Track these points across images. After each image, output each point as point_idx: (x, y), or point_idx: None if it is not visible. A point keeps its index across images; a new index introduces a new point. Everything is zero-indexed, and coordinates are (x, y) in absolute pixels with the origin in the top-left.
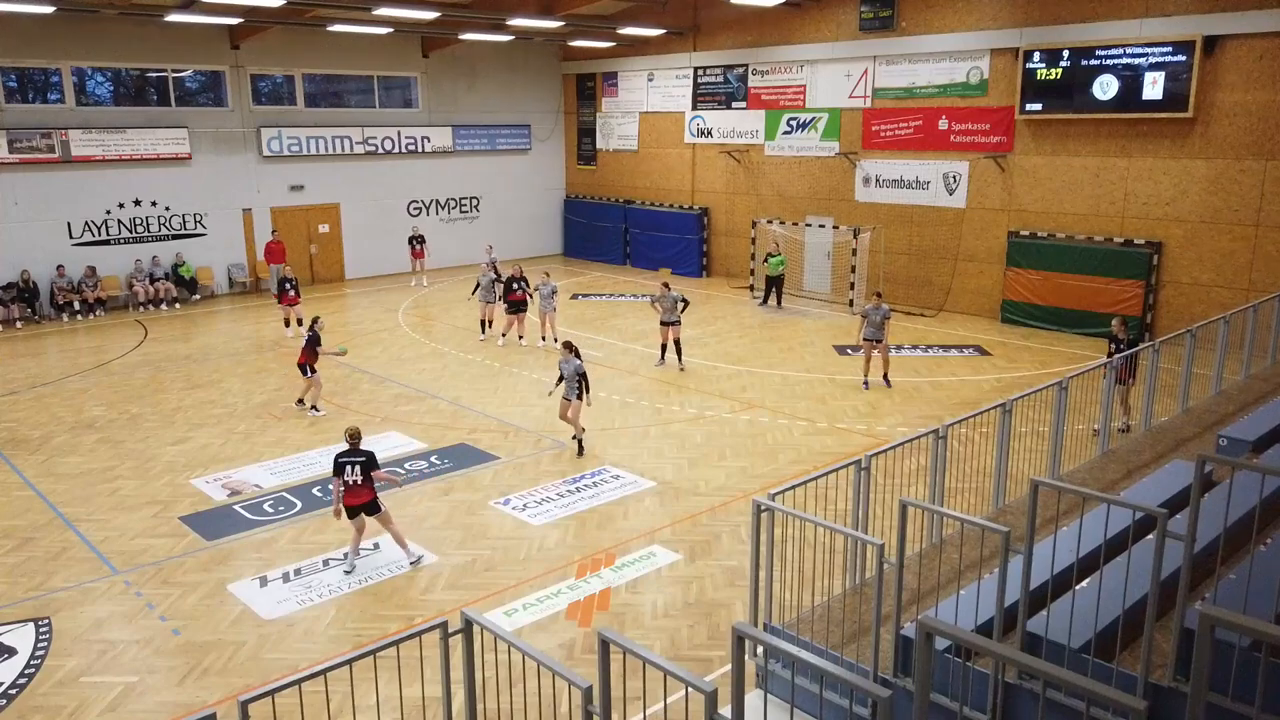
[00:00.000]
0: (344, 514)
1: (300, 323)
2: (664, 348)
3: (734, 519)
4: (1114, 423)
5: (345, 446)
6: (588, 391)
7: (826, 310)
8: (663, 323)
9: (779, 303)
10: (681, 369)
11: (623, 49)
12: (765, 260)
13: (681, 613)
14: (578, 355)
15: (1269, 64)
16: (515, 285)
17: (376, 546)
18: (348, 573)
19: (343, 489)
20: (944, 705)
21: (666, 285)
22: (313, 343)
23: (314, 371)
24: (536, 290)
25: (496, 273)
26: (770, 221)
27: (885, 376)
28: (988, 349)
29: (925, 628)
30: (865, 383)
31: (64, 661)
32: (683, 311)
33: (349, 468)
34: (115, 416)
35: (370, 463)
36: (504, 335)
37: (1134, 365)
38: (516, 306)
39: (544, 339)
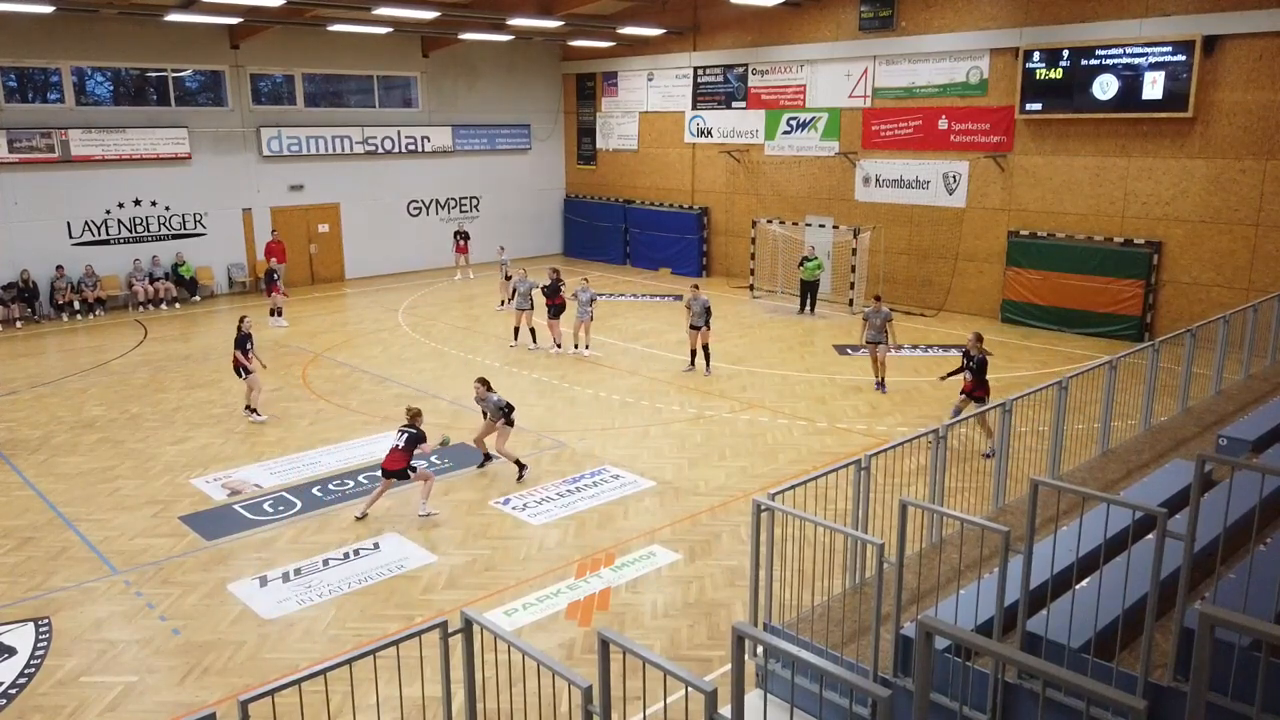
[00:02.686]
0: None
1: (280, 313)
2: (693, 353)
3: (734, 519)
4: (981, 450)
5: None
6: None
7: (827, 310)
8: (692, 327)
9: (812, 309)
10: (708, 373)
11: (623, 49)
12: (800, 265)
13: (681, 612)
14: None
15: (1269, 64)
16: (558, 288)
17: (376, 547)
18: (359, 518)
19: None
20: (944, 705)
21: (696, 287)
22: (242, 343)
23: (248, 373)
24: (575, 297)
25: (506, 275)
26: (770, 221)
27: (881, 382)
28: (988, 349)
29: (925, 627)
30: (877, 383)
31: (64, 661)
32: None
33: (398, 435)
34: (115, 416)
35: (415, 439)
36: (555, 343)
37: (985, 383)
38: (555, 311)
39: (576, 346)
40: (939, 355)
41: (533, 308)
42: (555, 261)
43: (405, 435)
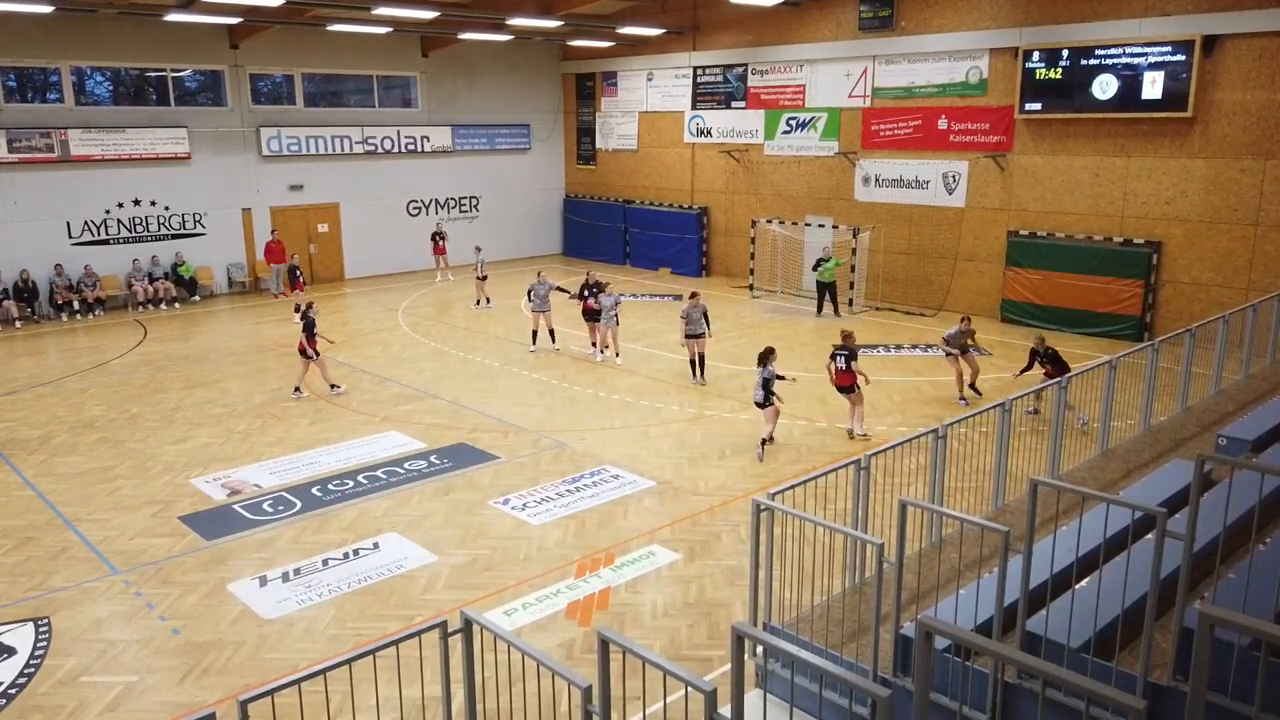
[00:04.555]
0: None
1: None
2: (693, 363)
3: (734, 519)
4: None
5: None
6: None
7: (827, 309)
8: (688, 336)
9: (835, 310)
10: (703, 384)
11: (622, 49)
12: (816, 267)
13: (681, 612)
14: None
15: (1268, 63)
16: (587, 293)
17: (376, 546)
18: (862, 436)
19: (833, 372)
20: (944, 705)
21: (695, 295)
22: (309, 328)
23: (317, 355)
24: (598, 301)
25: (481, 275)
26: (770, 221)
27: (973, 385)
28: (988, 349)
29: (925, 627)
30: (967, 394)
31: (63, 661)
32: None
33: (839, 358)
34: (115, 416)
35: (853, 356)
36: (595, 346)
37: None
38: (593, 315)
39: (602, 353)
40: (939, 355)
41: (550, 309)
42: (555, 261)
43: (843, 355)
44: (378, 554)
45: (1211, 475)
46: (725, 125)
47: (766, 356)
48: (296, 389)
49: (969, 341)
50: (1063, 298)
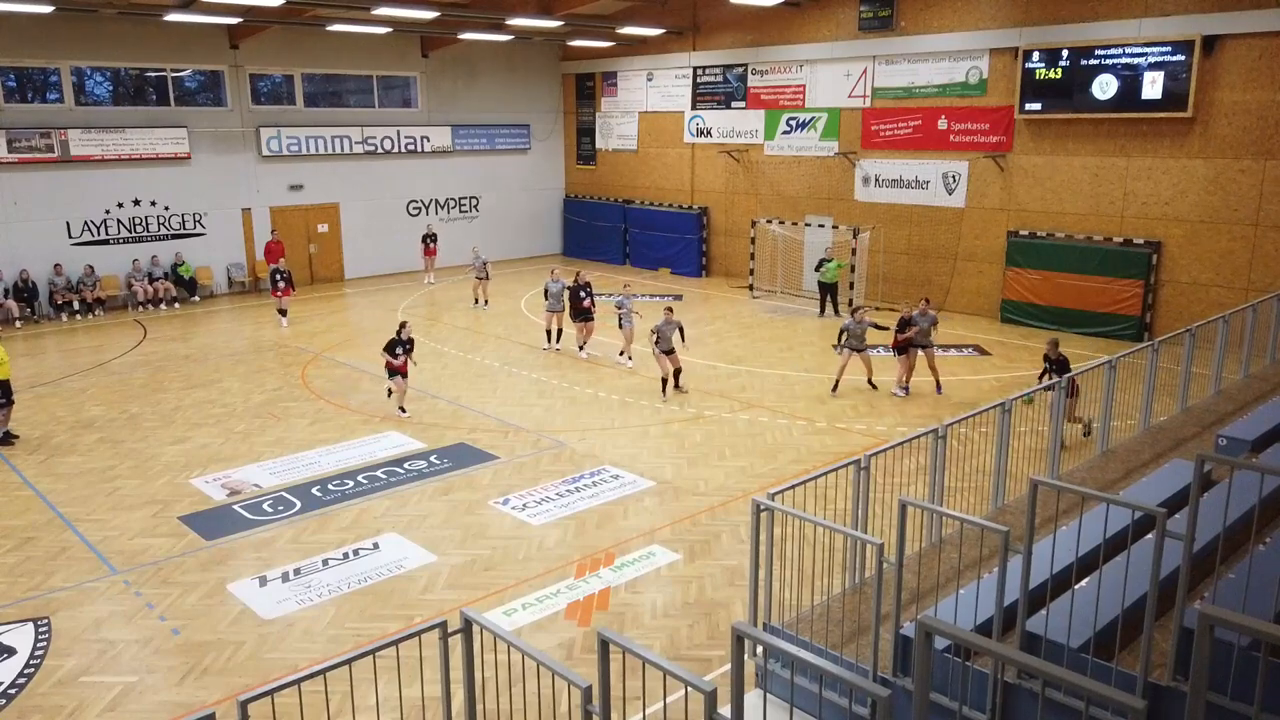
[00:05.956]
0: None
1: (285, 313)
2: (664, 380)
3: (734, 519)
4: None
5: None
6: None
7: (828, 310)
8: (664, 351)
9: (835, 310)
10: (684, 390)
11: (622, 49)
12: (818, 268)
13: (681, 612)
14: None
15: (1268, 63)
16: (582, 294)
17: (376, 547)
18: (900, 392)
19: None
20: (943, 705)
21: (669, 310)
22: (403, 348)
23: (405, 375)
24: (620, 307)
25: (480, 274)
26: (770, 221)
27: (938, 384)
28: (987, 349)
29: (925, 627)
30: (905, 389)
31: (63, 661)
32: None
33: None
34: (114, 416)
35: (903, 326)
36: (582, 346)
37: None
38: (584, 315)
39: (622, 354)
40: (938, 355)
41: (564, 309)
42: (555, 261)
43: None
44: (377, 554)
45: (1211, 475)
46: (725, 125)
47: (859, 309)
48: (401, 409)
49: (928, 331)
50: (1063, 298)
